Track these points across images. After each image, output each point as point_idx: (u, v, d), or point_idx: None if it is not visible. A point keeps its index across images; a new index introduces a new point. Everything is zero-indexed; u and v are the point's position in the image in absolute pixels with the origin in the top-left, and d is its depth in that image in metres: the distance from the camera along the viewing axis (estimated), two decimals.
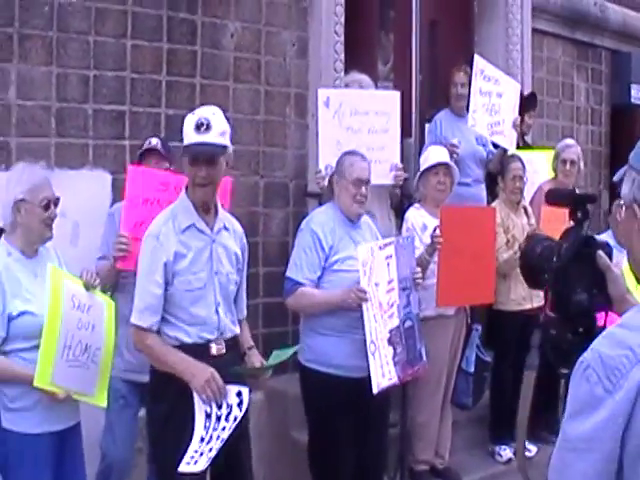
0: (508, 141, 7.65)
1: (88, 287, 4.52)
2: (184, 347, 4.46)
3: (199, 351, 4.47)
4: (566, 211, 7.65)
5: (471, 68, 7.42)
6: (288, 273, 5.49)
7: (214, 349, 4.54)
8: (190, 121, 4.47)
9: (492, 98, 7.50)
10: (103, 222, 5.65)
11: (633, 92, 10.65)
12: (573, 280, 2.76)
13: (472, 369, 6.83)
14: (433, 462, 6.68)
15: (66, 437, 4.46)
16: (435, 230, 6.10)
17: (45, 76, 5.85)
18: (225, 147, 4.53)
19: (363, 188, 5.52)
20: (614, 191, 10.35)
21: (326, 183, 6.14)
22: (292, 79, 7.14)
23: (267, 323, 6.95)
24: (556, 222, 7.20)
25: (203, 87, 6.57)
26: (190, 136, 4.46)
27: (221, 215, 4.66)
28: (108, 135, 6.11)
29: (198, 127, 4.42)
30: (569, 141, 8.17)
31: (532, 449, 7.28)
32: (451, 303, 6.45)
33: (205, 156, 4.46)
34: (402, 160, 6.86)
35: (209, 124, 4.42)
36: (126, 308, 4.68)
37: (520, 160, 7.29)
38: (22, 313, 4.32)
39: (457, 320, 6.66)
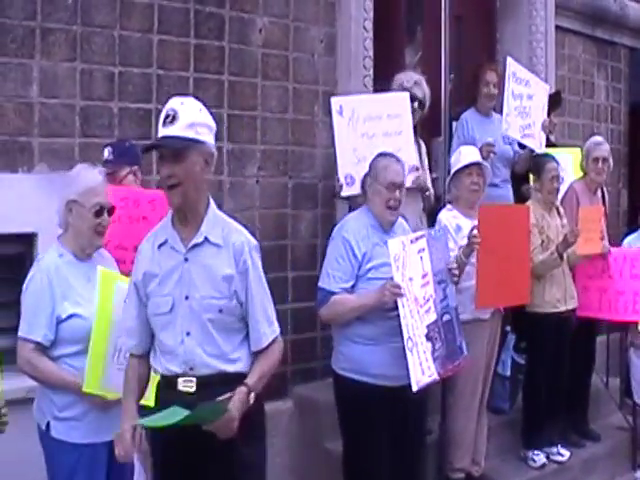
0: (537, 143, 7.55)
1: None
2: (161, 378, 4.10)
3: (167, 384, 4.02)
4: (602, 209, 7.60)
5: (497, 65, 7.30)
6: (320, 283, 5.28)
7: (180, 385, 3.98)
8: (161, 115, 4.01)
9: (523, 101, 7.42)
10: None
11: None
12: None
13: (508, 372, 6.69)
14: (469, 469, 6.50)
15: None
16: (472, 230, 5.92)
17: (69, 72, 5.65)
18: (194, 140, 3.90)
19: (397, 192, 5.34)
20: (633, 190, 10.24)
21: (345, 193, 6.16)
22: (320, 76, 6.97)
23: (296, 329, 6.74)
24: (592, 222, 7.17)
25: (231, 84, 6.38)
26: (159, 132, 3.98)
27: (205, 227, 4.01)
28: (134, 135, 5.88)
29: (164, 120, 3.93)
30: (598, 138, 8.03)
31: (565, 453, 7.17)
32: (490, 304, 6.28)
33: (168, 151, 3.91)
34: (431, 160, 6.75)
35: (175, 115, 3.89)
36: None
37: (555, 160, 7.14)
38: (71, 316, 4.23)
39: (493, 323, 6.49)
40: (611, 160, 7.84)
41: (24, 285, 4.34)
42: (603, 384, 8.41)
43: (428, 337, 5.20)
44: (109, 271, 4.39)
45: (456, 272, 5.58)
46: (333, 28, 7.03)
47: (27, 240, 5.45)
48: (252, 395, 3.95)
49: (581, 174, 7.79)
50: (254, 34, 6.52)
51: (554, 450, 7.15)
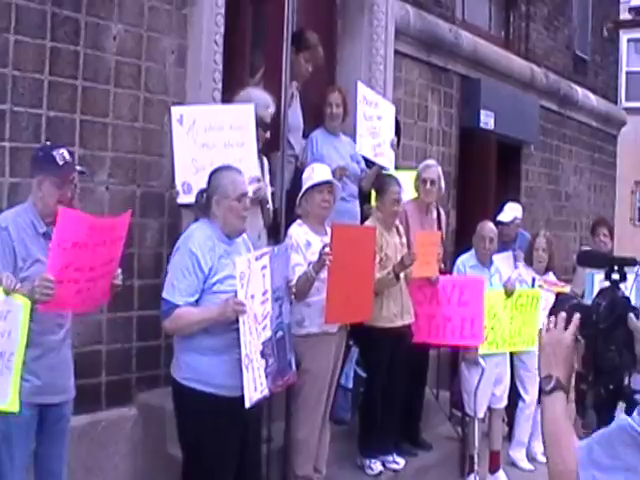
0: (387, 160, 7.90)
1: (8, 292, 4.26)
2: None
3: None
4: (439, 234, 7.91)
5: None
6: (165, 294, 5.26)
7: None
8: None
9: (374, 121, 7.72)
10: None
11: (482, 117, 10.92)
12: (607, 339, 2.79)
13: (351, 384, 6.84)
14: (311, 476, 6.62)
15: None
16: (324, 247, 6.08)
17: None
18: None
19: (247, 201, 5.44)
20: (463, 211, 10.62)
21: (180, 200, 6.23)
22: (170, 87, 6.98)
23: (141, 337, 6.75)
24: (429, 246, 7.46)
25: (84, 89, 6.33)
26: None
27: None
28: None
29: None
30: (430, 161, 8.44)
31: (400, 461, 7.42)
32: (339, 320, 6.46)
33: None
34: (270, 173, 6.85)
35: None
36: None
37: (398, 182, 7.39)
38: None
39: (339, 337, 6.67)
40: (442, 182, 8.18)
41: None
42: (434, 396, 8.71)
43: (263, 354, 5.28)
44: None
45: (293, 290, 5.77)
46: (185, 40, 7.05)
47: None
48: None
49: (416, 194, 8.10)
50: (108, 40, 6.50)
51: (389, 458, 7.37)
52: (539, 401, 2.87)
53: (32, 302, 4.48)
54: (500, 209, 9.89)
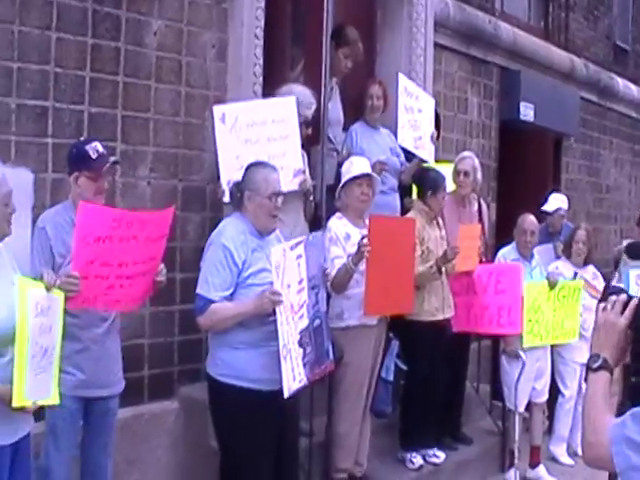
0: (427, 153, 7.87)
1: (49, 288, 4.29)
2: None
3: None
4: (479, 227, 7.89)
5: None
6: (199, 290, 5.26)
7: None
8: None
9: (414, 114, 7.69)
10: (24, 222, 5.43)
11: (522, 109, 10.87)
12: None
13: (391, 377, 6.84)
14: (352, 470, 6.64)
15: (19, 446, 4.23)
16: (362, 239, 6.07)
17: None
18: None
19: (279, 200, 5.41)
20: (501, 202, 10.58)
21: (227, 199, 6.11)
22: (211, 81, 7.00)
23: (182, 330, 6.78)
24: (471, 239, 7.44)
25: (125, 85, 6.37)
26: None
27: None
28: (31, 132, 5.84)
29: None
30: (465, 153, 8.43)
31: (440, 455, 7.41)
32: (378, 312, 6.46)
33: None
34: (310, 167, 6.85)
35: None
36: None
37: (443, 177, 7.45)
38: None
39: (378, 329, 6.66)
40: (478, 174, 8.15)
41: None
42: (474, 390, 8.68)
43: (300, 343, 5.27)
44: (25, 278, 4.25)
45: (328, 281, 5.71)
46: (225, 34, 7.08)
47: None
48: None
49: (454, 187, 8.09)
50: (149, 36, 6.53)
51: (430, 452, 7.37)
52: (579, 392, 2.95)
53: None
54: (545, 200, 9.82)
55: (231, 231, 5.32)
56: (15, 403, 3.95)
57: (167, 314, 6.67)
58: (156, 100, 6.61)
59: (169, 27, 6.67)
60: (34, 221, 5.65)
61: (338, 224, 6.50)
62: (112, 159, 5.23)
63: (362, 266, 6.17)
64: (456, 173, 8.05)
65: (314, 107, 6.79)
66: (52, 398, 4.25)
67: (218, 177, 6.42)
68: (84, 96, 6.12)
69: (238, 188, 5.49)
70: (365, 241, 6.06)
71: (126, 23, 6.37)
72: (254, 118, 6.47)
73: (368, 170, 6.62)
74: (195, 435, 6.59)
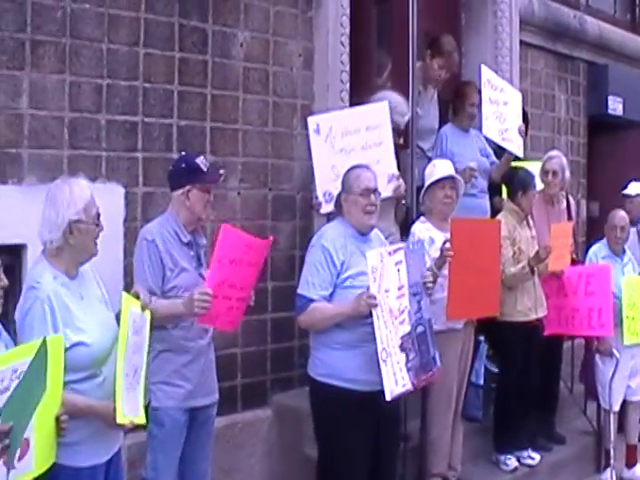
0: (516, 147, 7.72)
1: (145, 308, 4.36)
2: None
3: None
4: (571, 225, 7.77)
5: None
6: (300, 290, 5.35)
7: None
8: None
9: (500, 106, 7.59)
10: (117, 236, 5.64)
11: (610, 103, 10.73)
12: None
13: (481, 381, 6.81)
14: (446, 474, 6.64)
15: (112, 463, 4.31)
16: (445, 243, 6.05)
17: (58, 85, 5.66)
18: None
19: (372, 197, 5.42)
20: (591, 199, 10.46)
21: (324, 210, 6.25)
22: (299, 90, 7.07)
23: (275, 339, 6.87)
24: (563, 238, 7.35)
25: (214, 97, 6.47)
26: None
27: None
28: (121, 147, 5.96)
29: None
30: (553, 152, 8.31)
31: (535, 457, 7.35)
32: (461, 316, 6.43)
33: None
34: (399, 170, 6.83)
35: None
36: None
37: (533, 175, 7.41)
38: (75, 344, 4.04)
39: (466, 333, 6.66)
40: (567, 173, 8.05)
41: (19, 312, 4.09)
42: (568, 389, 8.60)
43: (402, 348, 5.25)
44: (129, 296, 4.30)
45: (430, 285, 5.62)
46: (311, 42, 7.14)
47: (16, 251, 5.43)
48: None
49: (542, 186, 8.01)
50: (235, 48, 6.60)
51: (525, 454, 7.32)
52: None
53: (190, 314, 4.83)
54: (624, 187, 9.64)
55: (331, 234, 5.41)
56: (119, 420, 4.00)
57: (259, 323, 6.73)
58: (244, 111, 6.69)
59: (255, 38, 6.75)
60: (125, 235, 5.80)
61: (421, 228, 6.48)
62: (221, 171, 5.38)
63: (445, 270, 6.14)
64: (544, 173, 7.96)
65: (407, 117, 6.78)
66: (140, 417, 4.30)
67: (314, 188, 6.45)
68: (173, 110, 6.23)
69: (339, 197, 5.59)
70: (447, 245, 6.03)
71: (212, 36, 6.47)
72: (348, 127, 6.47)
73: (451, 172, 6.58)
74: (289, 443, 6.67)
